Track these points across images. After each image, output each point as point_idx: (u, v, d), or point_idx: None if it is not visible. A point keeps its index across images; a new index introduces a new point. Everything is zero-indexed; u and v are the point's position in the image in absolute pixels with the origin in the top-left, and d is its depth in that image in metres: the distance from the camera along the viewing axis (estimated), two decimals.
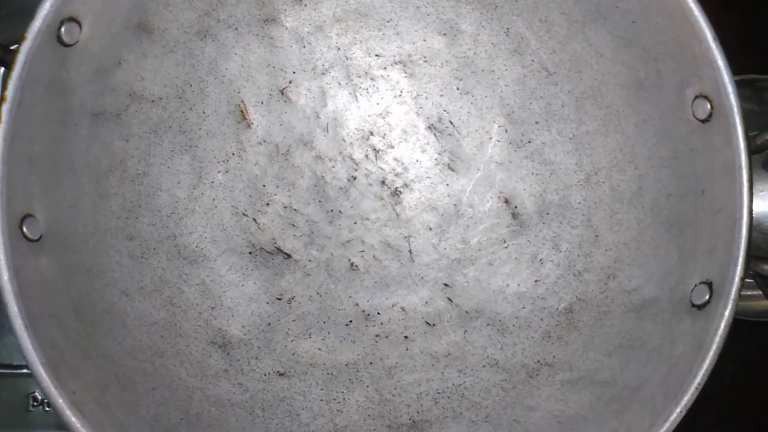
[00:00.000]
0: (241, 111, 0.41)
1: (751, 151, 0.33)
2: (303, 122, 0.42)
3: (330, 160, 0.42)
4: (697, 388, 0.32)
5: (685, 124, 0.35)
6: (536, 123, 0.41)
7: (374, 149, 0.42)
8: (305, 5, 0.41)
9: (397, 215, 0.42)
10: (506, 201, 0.41)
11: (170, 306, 0.39)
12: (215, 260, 0.40)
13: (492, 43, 0.41)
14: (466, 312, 0.41)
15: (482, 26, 0.41)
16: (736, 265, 0.32)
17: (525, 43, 0.41)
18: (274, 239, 0.41)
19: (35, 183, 0.33)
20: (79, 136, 0.36)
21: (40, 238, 0.33)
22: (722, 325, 0.32)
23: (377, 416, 0.39)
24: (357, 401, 0.39)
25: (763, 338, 0.53)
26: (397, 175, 0.42)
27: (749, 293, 0.48)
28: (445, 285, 0.41)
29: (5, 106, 0.31)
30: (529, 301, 0.40)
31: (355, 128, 0.42)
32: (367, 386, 0.39)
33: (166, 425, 0.35)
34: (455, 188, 0.42)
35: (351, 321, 0.41)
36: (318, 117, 0.42)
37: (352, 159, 0.42)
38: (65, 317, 0.33)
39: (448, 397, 0.39)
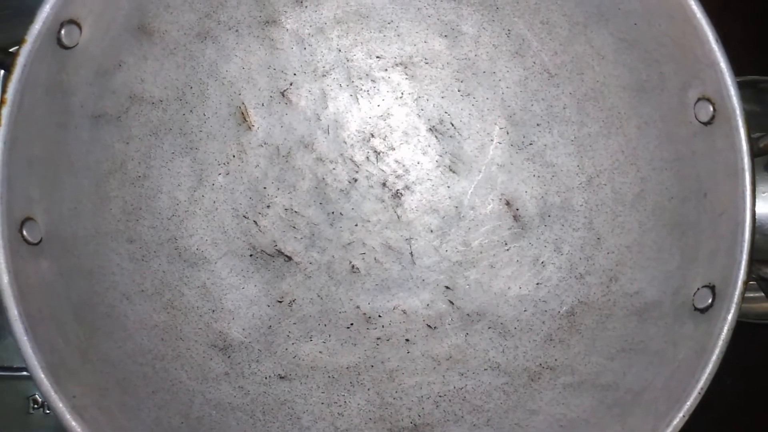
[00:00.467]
0: (242, 113, 0.41)
1: (754, 153, 0.33)
2: (304, 124, 0.42)
3: (331, 162, 0.42)
4: (699, 393, 0.31)
5: (688, 127, 0.35)
6: (538, 125, 0.41)
7: (375, 151, 0.42)
8: (306, 7, 0.41)
9: (398, 217, 0.42)
10: (508, 203, 0.41)
11: (171, 309, 0.38)
12: (216, 263, 0.40)
13: (493, 45, 0.41)
14: (468, 315, 0.41)
15: (483, 28, 0.41)
16: (738, 269, 0.32)
17: (526, 44, 0.41)
18: (274, 241, 0.41)
19: (35, 186, 0.33)
20: (79, 139, 0.36)
21: (40, 241, 0.33)
22: (725, 329, 0.32)
23: (378, 419, 0.38)
24: (358, 404, 0.39)
25: (765, 341, 0.53)
26: (398, 177, 0.42)
27: (751, 295, 0.48)
28: (447, 287, 0.41)
29: (5, 109, 0.31)
30: (530, 304, 0.40)
31: (356, 130, 0.42)
32: (368, 389, 0.39)
33: (166, 429, 0.35)
34: (456, 190, 0.42)
35: (352, 324, 0.41)
36: (319, 119, 0.42)
37: (353, 161, 0.42)
38: (65, 320, 0.33)
39: (450, 400, 0.39)
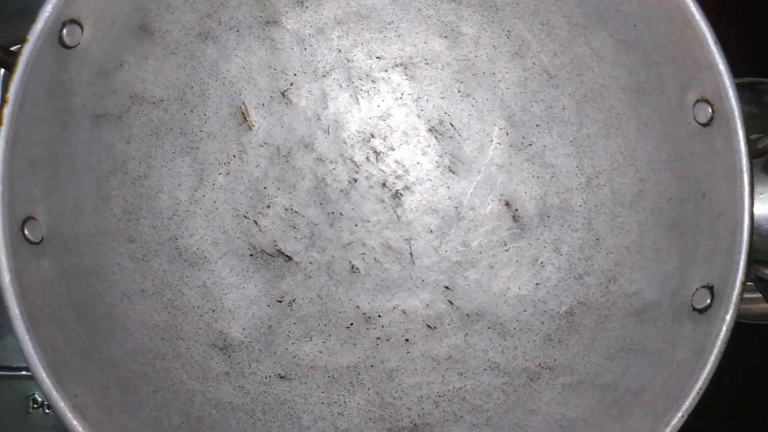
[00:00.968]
0: (242, 113, 0.41)
1: (752, 155, 0.33)
2: (304, 124, 0.42)
3: (331, 162, 0.42)
4: (698, 393, 0.32)
5: (686, 128, 0.35)
6: (537, 126, 0.41)
7: (375, 151, 0.42)
8: (306, 7, 0.41)
9: (398, 218, 0.42)
10: (507, 204, 0.42)
11: (171, 308, 0.39)
12: (216, 262, 0.40)
13: (493, 46, 0.41)
14: (467, 315, 0.41)
15: (483, 29, 0.41)
16: (737, 269, 0.32)
17: (526, 46, 0.41)
18: (275, 241, 0.41)
19: (36, 185, 0.33)
20: (80, 139, 0.36)
21: (42, 240, 0.33)
22: (724, 329, 0.32)
23: (378, 419, 0.39)
24: (358, 404, 0.39)
25: (763, 341, 0.53)
26: (398, 177, 0.42)
27: (749, 296, 0.48)
28: (446, 288, 0.41)
29: (6, 109, 0.31)
30: (530, 304, 0.40)
31: (356, 130, 0.42)
32: (368, 389, 0.39)
33: (167, 428, 0.35)
34: (456, 191, 0.42)
35: (352, 324, 0.41)
36: (319, 119, 0.42)
37: (353, 161, 0.42)
38: (66, 320, 0.33)
39: (449, 400, 0.39)
